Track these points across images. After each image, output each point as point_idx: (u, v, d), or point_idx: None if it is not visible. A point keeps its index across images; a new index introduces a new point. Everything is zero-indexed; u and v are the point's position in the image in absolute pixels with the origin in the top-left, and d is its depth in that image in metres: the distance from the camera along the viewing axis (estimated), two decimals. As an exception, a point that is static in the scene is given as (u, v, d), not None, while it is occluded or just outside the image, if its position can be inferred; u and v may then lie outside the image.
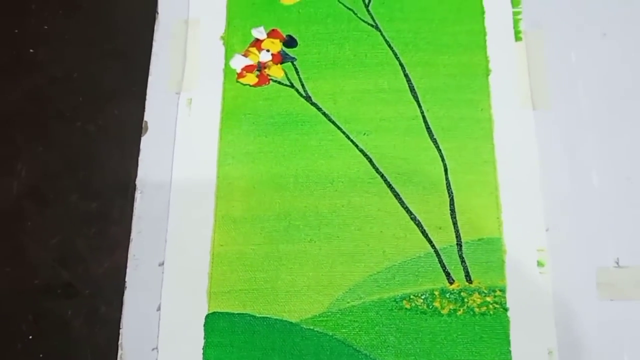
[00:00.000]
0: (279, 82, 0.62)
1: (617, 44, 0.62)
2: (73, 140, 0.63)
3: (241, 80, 0.62)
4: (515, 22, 0.63)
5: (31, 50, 0.66)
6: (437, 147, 0.59)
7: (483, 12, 0.63)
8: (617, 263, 0.55)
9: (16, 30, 0.67)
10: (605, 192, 0.57)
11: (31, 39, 0.67)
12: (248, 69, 0.63)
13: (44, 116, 0.64)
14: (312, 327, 0.55)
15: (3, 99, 0.65)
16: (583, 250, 0.56)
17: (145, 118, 0.62)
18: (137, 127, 0.62)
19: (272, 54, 0.63)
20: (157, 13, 0.66)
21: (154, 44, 0.65)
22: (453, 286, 0.55)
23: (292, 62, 0.63)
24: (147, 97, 0.63)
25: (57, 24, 0.68)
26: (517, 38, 0.62)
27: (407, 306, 0.55)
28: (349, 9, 0.64)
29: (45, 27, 0.67)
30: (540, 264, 0.55)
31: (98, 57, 0.66)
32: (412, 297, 0.55)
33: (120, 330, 0.55)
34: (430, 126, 0.60)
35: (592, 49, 0.62)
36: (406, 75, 0.62)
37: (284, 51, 0.63)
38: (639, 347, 0.54)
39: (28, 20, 0.68)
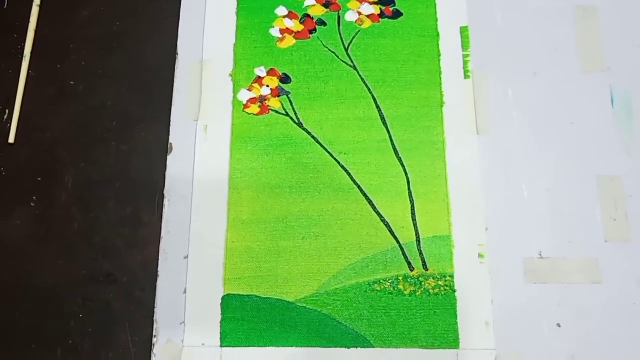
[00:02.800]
0: (277, 112, 0.69)
1: (544, 82, 0.69)
2: (109, 158, 0.69)
3: (246, 110, 0.69)
4: (465, 63, 0.70)
5: (72, 83, 0.72)
6: (402, 164, 0.67)
7: (439, 55, 0.70)
8: (540, 255, 0.64)
9: (59, 66, 0.72)
10: (532, 201, 0.65)
11: (71, 73, 0.72)
12: (252, 101, 0.69)
13: (84, 138, 0.69)
14: (304, 305, 0.62)
15: (51, 125, 0.70)
16: (514, 245, 0.64)
17: (170, 140, 0.68)
18: (163, 148, 0.68)
19: (271, 89, 0.70)
20: (177, 54, 0.71)
21: (175, 79, 0.70)
22: (413, 273, 0.63)
23: (287, 96, 0.69)
24: (171, 123, 0.69)
25: (93, 61, 0.72)
26: (466, 76, 0.69)
27: (378, 288, 0.63)
28: (332, 52, 0.71)
29: (83, 63, 0.72)
30: (480, 255, 0.64)
31: (128, 89, 0.71)
32: (381, 281, 0.63)
33: (155, 309, 0.62)
34: (397, 147, 0.67)
35: (525, 85, 0.69)
36: (377, 107, 0.69)
37: (280, 86, 0.70)
38: (554, 318, 0.62)
39: (68, 57, 0.72)
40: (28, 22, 0.74)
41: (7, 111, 0.70)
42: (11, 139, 0.69)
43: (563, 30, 0.71)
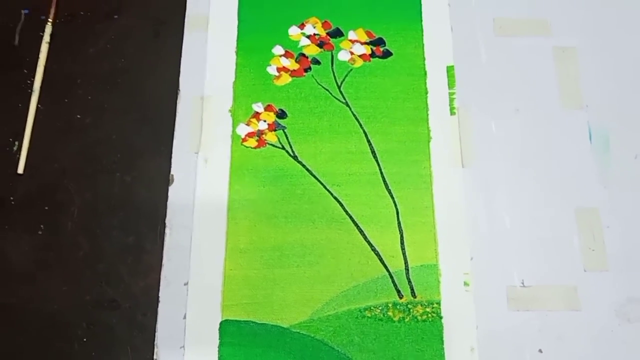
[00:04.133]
0: (273, 145, 0.71)
1: (526, 118, 0.72)
2: (114, 188, 0.70)
3: (245, 143, 0.71)
4: (451, 100, 0.73)
5: (78, 116, 0.73)
6: (391, 196, 0.69)
7: (426, 92, 0.73)
8: (523, 283, 0.66)
9: (66, 100, 0.74)
10: (515, 231, 0.68)
11: (78, 107, 0.74)
12: (250, 135, 0.71)
13: (90, 169, 0.71)
14: (298, 331, 0.64)
15: (58, 156, 0.72)
16: (497, 274, 0.66)
17: (172, 172, 0.70)
18: (165, 179, 0.70)
19: (268, 124, 0.72)
20: (179, 90, 0.73)
21: (177, 114, 0.72)
22: (402, 300, 0.65)
23: (283, 130, 0.72)
24: (173, 155, 0.70)
25: (99, 96, 0.74)
26: (452, 112, 0.72)
27: (369, 315, 0.65)
28: (326, 89, 0.73)
29: (90, 97, 0.74)
30: (465, 283, 0.66)
31: (132, 122, 0.73)
32: (372, 308, 0.65)
33: (156, 334, 0.64)
34: (386, 180, 0.69)
35: (508, 121, 0.72)
36: (368, 141, 0.71)
37: (277, 121, 0.72)
38: (535, 343, 0.64)
39: (75, 92, 0.74)
40: (37, 58, 0.75)
41: (16, 143, 0.72)
42: (20, 170, 0.71)
43: (544, 69, 0.74)
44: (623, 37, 0.76)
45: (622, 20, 0.77)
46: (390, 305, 0.65)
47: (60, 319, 0.66)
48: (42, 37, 0.77)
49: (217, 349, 0.64)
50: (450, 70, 0.74)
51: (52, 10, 0.78)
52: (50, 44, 0.77)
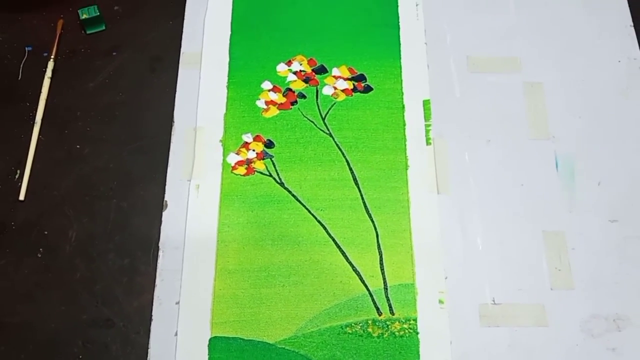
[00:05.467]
0: (261, 173, 0.73)
1: (497, 148, 0.75)
2: (110, 214, 0.72)
3: (234, 171, 0.73)
4: (427, 132, 0.75)
5: (78, 147, 0.75)
6: (371, 220, 0.71)
7: (404, 124, 0.75)
8: (494, 301, 0.67)
9: (66, 131, 0.76)
10: (486, 252, 0.70)
11: (77, 138, 0.76)
12: (239, 163, 0.74)
13: (88, 196, 0.73)
14: (283, 347, 0.65)
15: (58, 184, 0.73)
16: (470, 292, 0.68)
17: (166, 198, 0.72)
18: (159, 205, 0.71)
19: (256, 153, 0.74)
20: (174, 122, 0.75)
21: (171, 144, 0.74)
22: (381, 317, 0.67)
23: (271, 159, 0.74)
24: (167, 182, 0.72)
25: (97, 127, 0.76)
26: (428, 143, 0.74)
27: (350, 331, 0.66)
28: (311, 121, 0.76)
29: (88, 129, 0.76)
30: (440, 301, 0.67)
31: (128, 152, 0.75)
32: (352, 325, 0.66)
33: (149, 350, 0.65)
34: (367, 205, 0.71)
35: (480, 151, 0.74)
36: (350, 169, 0.73)
37: (265, 151, 0.74)
38: (505, 358, 0.65)
39: (75, 124, 0.76)
40: (40, 92, 0.77)
41: (18, 171, 0.74)
42: (21, 197, 0.73)
43: (513, 103, 0.77)
44: (587, 74, 0.79)
45: (586, 59, 0.80)
46: (369, 322, 0.67)
47: (58, 337, 0.67)
48: (44, 72, 0.79)
49: (206, 364, 0.65)
50: (426, 104, 0.76)
51: (54, 47, 0.80)
52: (51, 78, 0.79)
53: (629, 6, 0.83)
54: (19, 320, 0.68)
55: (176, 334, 0.67)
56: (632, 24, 0.82)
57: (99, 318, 0.68)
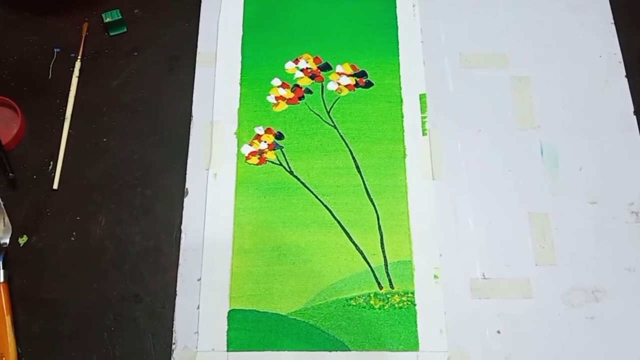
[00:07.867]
0: (273, 162, 0.75)
1: (487, 137, 0.76)
2: (136, 201, 0.74)
3: (248, 161, 0.75)
4: (423, 123, 0.76)
5: (105, 140, 0.77)
6: (373, 204, 0.72)
7: (402, 116, 0.77)
8: (484, 276, 0.70)
9: (94, 126, 0.78)
10: (477, 232, 0.72)
11: (104, 132, 0.77)
12: (252, 153, 0.75)
13: (115, 185, 0.75)
14: (294, 317, 0.68)
15: (88, 173, 0.76)
16: (462, 268, 0.70)
17: (187, 186, 0.73)
18: (180, 192, 0.73)
19: (268, 144, 0.76)
20: (192, 116, 0.77)
21: (190, 137, 0.76)
22: (382, 290, 0.69)
23: (281, 149, 0.75)
24: (187, 172, 0.74)
25: (122, 121, 0.78)
26: (424, 133, 0.76)
27: (354, 303, 0.68)
28: (317, 114, 0.77)
29: (114, 123, 0.78)
30: (435, 276, 0.69)
31: (151, 145, 0.77)
32: (356, 297, 0.69)
33: (174, 322, 0.68)
34: (369, 190, 0.73)
35: (471, 140, 0.76)
36: (353, 158, 0.75)
37: (275, 142, 0.76)
38: (494, 326, 0.68)
39: (101, 119, 0.78)
40: (68, 89, 0.79)
41: (51, 163, 0.76)
42: (55, 186, 0.75)
43: (502, 96, 0.78)
44: (570, 68, 0.81)
45: (569, 55, 0.82)
46: (371, 295, 0.69)
47: (92, 311, 0.69)
48: (72, 71, 0.81)
49: (225, 333, 0.68)
50: (422, 97, 0.78)
51: (81, 49, 0.82)
52: (79, 77, 0.81)
53: (610, 5, 0.84)
54: (56, 296, 0.70)
55: (198, 307, 0.69)
56: (612, 21, 0.83)
57: (128, 294, 0.70)
